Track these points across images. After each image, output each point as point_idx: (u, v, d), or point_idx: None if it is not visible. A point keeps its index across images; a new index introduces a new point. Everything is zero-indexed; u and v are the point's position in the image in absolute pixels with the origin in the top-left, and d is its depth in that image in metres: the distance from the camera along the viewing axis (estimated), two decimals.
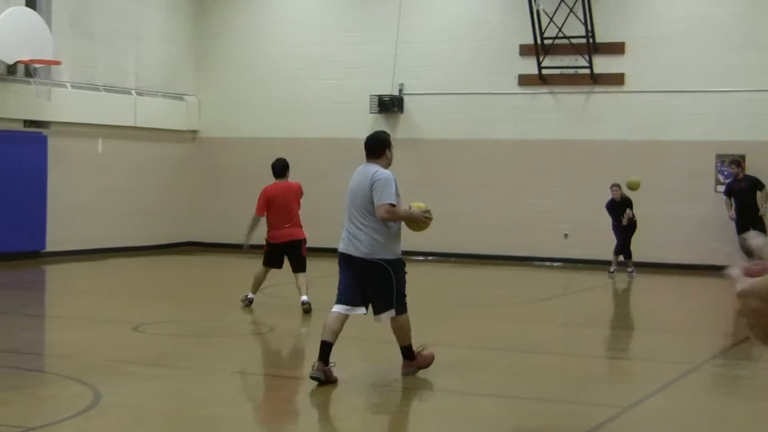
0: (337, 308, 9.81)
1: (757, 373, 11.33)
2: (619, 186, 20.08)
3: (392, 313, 9.82)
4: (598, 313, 16.26)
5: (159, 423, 8.44)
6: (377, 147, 9.88)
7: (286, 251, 14.71)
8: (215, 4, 25.26)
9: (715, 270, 20.88)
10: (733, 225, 20.52)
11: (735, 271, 1.67)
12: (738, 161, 20.71)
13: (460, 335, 12.92)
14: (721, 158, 21.33)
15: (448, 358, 10.84)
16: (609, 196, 20.24)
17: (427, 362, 10.21)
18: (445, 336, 11.52)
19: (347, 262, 9.84)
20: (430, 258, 22.79)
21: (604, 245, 20.83)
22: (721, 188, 21.29)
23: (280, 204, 14.65)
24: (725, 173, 21.29)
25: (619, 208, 20.07)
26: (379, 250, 9.69)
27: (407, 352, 10.10)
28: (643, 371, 11.42)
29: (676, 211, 21.42)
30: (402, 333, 10.00)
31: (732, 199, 20.69)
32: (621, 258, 20.38)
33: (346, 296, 9.83)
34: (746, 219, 20.21)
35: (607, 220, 20.39)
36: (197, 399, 9.26)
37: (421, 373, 10.20)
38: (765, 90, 20.90)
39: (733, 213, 20.57)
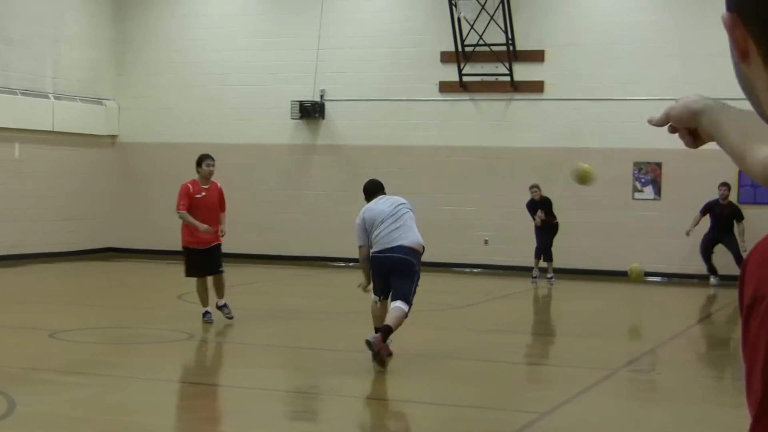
0: None
1: (673, 377, 11.49)
2: (538, 187, 20.21)
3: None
4: (518, 319, 16.38)
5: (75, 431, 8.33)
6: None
7: None
8: (136, 9, 25.00)
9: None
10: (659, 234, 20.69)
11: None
12: (728, 184, 20.33)
13: None
14: (638, 165, 21.61)
15: (371, 364, 10.84)
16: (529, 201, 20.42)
17: (386, 353, 10.98)
18: None
19: None
20: (351, 264, 22.75)
21: (525, 252, 20.99)
22: (639, 195, 21.55)
23: None
24: (642, 180, 21.57)
25: (538, 208, 20.20)
26: None
27: (385, 332, 10.94)
28: (561, 377, 11.54)
29: (594, 217, 21.65)
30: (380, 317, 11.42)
31: (709, 217, 20.32)
32: (542, 262, 20.47)
33: None
34: (718, 238, 20.18)
35: (528, 227, 20.54)
36: (114, 406, 9.15)
37: (343, 379, 10.19)
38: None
39: (692, 229, 20.14)
